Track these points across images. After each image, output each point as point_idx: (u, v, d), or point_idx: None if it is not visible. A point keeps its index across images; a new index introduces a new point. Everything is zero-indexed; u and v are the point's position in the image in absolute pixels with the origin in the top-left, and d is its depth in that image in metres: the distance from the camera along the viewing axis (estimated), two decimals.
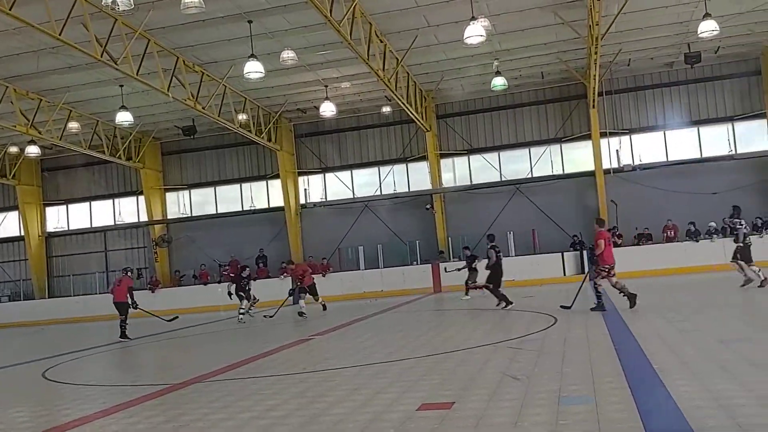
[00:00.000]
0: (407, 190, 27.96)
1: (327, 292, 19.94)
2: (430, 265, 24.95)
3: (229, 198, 29.86)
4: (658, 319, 10.52)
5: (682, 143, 25.65)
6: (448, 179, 27.57)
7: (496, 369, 7.28)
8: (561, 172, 26.58)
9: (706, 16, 18.08)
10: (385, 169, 28.28)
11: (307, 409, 6.21)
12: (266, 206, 29.37)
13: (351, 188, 28.66)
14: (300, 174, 28.97)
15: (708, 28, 18.15)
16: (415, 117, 24.39)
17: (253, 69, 18.48)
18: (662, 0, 18.93)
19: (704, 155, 25.37)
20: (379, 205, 27.85)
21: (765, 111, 24.74)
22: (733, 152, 25.01)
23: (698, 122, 25.57)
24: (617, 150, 25.46)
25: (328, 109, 24.06)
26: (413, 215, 27.54)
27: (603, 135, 25.41)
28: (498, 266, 14.96)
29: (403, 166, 28.09)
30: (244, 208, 29.54)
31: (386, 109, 25.56)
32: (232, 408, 6.48)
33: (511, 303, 14.41)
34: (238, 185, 29.81)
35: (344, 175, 28.78)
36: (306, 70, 22.20)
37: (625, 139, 25.91)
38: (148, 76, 18.92)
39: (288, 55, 19.24)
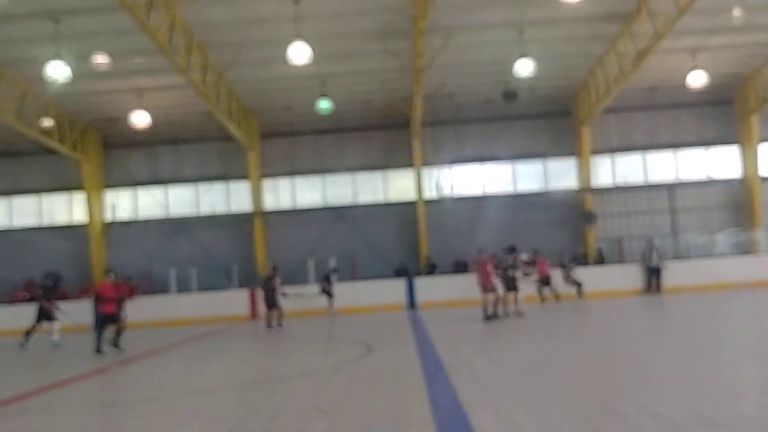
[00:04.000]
0: (227, 211, 27.42)
1: (134, 317, 18.91)
2: (248, 289, 24.37)
3: (26, 211, 27.73)
4: (470, 350, 10.91)
5: (500, 177, 27.27)
6: (270, 201, 27.34)
7: (304, 400, 7.18)
8: (383, 200, 27.24)
9: (523, 56, 19.53)
10: (204, 188, 27.57)
11: None
12: (68, 221, 27.58)
13: (165, 206, 27.62)
14: (108, 188, 27.51)
15: (524, 68, 19.64)
16: (237, 135, 24.06)
17: (58, 71, 17.41)
18: (484, 38, 20.05)
19: (519, 189, 27.07)
20: (195, 226, 27.06)
21: (574, 152, 26.88)
22: (546, 188, 27.01)
23: (515, 158, 27.25)
24: (436, 181, 26.60)
25: (141, 120, 23.05)
26: (232, 237, 27.04)
27: (425, 164, 26.42)
28: None
29: (224, 185, 27.54)
30: (43, 223, 27.58)
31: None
32: None
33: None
34: (38, 197, 27.79)
35: (159, 191, 27.68)
36: (119, 77, 21.22)
37: (447, 169, 27.10)
38: None
39: (99, 59, 18.34)
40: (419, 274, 25.06)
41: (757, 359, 8.43)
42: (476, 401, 6.60)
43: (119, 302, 14.45)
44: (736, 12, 18.88)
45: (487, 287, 15.51)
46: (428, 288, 23.37)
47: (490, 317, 15.43)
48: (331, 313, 21.51)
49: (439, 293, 22.87)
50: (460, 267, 25.17)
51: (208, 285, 24.77)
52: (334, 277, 22.40)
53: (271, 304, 17.93)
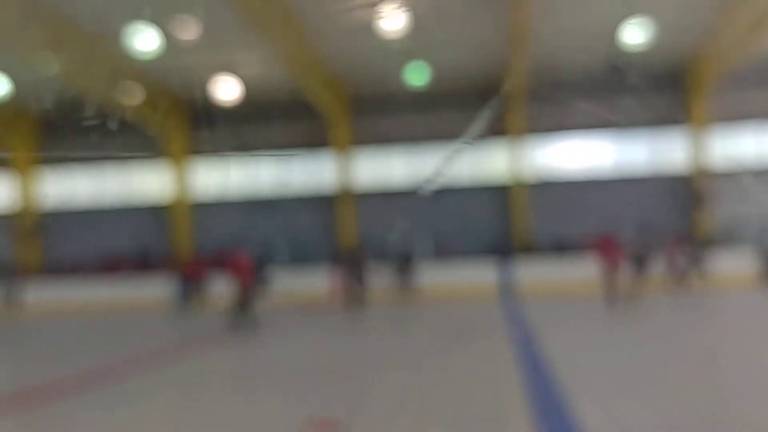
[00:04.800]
0: (314, 186, 27.44)
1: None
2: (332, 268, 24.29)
3: (111, 186, 28.65)
4: (574, 337, 10.45)
5: (604, 153, 26.31)
6: (359, 176, 27.18)
7: (389, 391, 6.93)
8: (478, 176, 26.70)
9: (632, 23, 18.64)
10: (292, 163, 27.70)
11: None
12: (153, 197, 28.28)
13: (251, 182, 27.85)
14: (195, 164, 28.04)
15: (633, 36, 18.78)
16: (327, 108, 24.06)
17: (146, 44, 17.76)
18: (589, 4, 19.23)
19: (622, 167, 26.05)
20: (282, 202, 27.18)
21: (685, 128, 25.58)
22: (654, 166, 25.93)
23: (620, 133, 26.17)
24: (536, 157, 25.98)
25: (230, 94, 23.31)
26: (319, 214, 27.19)
27: (523, 140, 25.77)
28: None
29: (313, 160, 27.55)
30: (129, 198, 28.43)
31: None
32: None
33: None
34: (124, 171, 28.60)
35: (245, 167, 27.99)
36: (208, 50, 21.47)
37: (547, 145, 26.36)
38: None
39: (188, 32, 18.54)
40: (515, 255, 24.37)
41: None
42: (579, 394, 6.48)
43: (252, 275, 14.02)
44: None
45: (612, 269, 14.89)
46: (526, 270, 22.67)
47: (613, 300, 14.84)
48: (413, 297, 20.62)
49: (538, 275, 22.32)
50: (562, 248, 24.43)
51: (293, 263, 24.91)
52: (416, 257, 21.60)
53: (356, 282, 17.64)
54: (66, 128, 28.36)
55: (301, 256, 26.03)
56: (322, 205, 27.22)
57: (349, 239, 26.34)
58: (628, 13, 18.83)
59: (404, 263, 21.19)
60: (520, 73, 22.00)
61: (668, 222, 24.59)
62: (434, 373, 8.13)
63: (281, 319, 16.77)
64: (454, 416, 5.92)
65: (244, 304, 13.68)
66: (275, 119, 27.70)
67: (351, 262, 18.21)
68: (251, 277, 13.87)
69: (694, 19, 21.36)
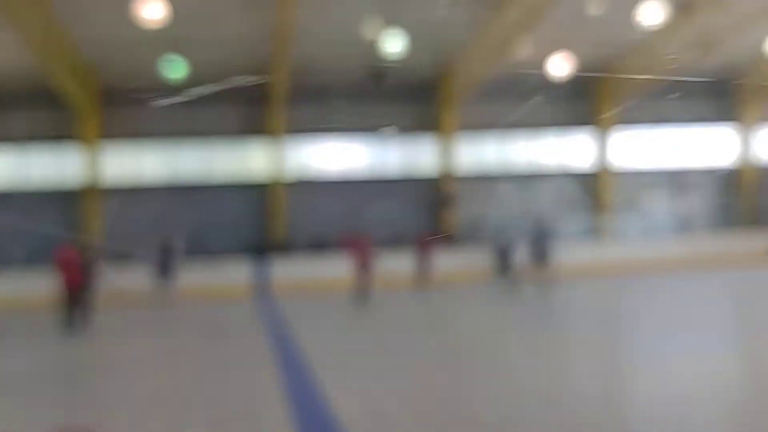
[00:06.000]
0: (59, 182, 26.00)
1: None
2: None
3: None
4: (329, 333, 11.08)
5: (362, 155, 27.65)
6: (110, 171, 26.12)
7: (141, 391, 7.11)
8: (237, 175, 26.86)
9: (391, 34, 19.90)
10: (32, 155, 25.99)
11: None
12: None
13: None
14: None
15: (392, 45, 20.04)
16: (75, 97, 22.94)
17: None
18: (352, 11, 20.21)
19: (376, 169, 27.53)
20: (20, 199, 25.46)
21: (437, 134, 27.61)
22: (408, 170, 27.70)
23: (378, 137, 27.62)
24: (295, 158, 26.63)
25: None
26: (64, 211, 25.81)
27: (284, 140, 26.30)
28: None
29: (57, 153, 26.03)
30: None
31: None
32: None
33: None
34: None
35: None
36: None
37: (307, 146, 27.13)
38: None
39: None
40: (271, 253, 24.77)
41: None
42: (333, 385, 7.01)
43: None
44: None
45: (362, 268, 16.13)
46: (281, 268, 23.09)
47: (360, 298, 15.93)
48: (171, 297, 19.65)
49: (294, 273, 22.90)
50: (318, 246, 25.31)
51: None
52: (177, 253, 20.65)
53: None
54: None
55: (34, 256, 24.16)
56: (65, 201, 25.84)
57: (95, 237, 25.24)
58: (387, 23, 20.05)
59: (165, 261, 20.00)
60: (281, 73, 22.50)
61: (417, 222, 26.51)
62: (189, 374, 8.26)
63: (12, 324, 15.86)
64: (211, 416, 6.12)
65: (73, 301, 13.18)
66: (15, 108, 25.70)
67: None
68: (78, 273, 13.39)
69: (448, 35, 23.24)
